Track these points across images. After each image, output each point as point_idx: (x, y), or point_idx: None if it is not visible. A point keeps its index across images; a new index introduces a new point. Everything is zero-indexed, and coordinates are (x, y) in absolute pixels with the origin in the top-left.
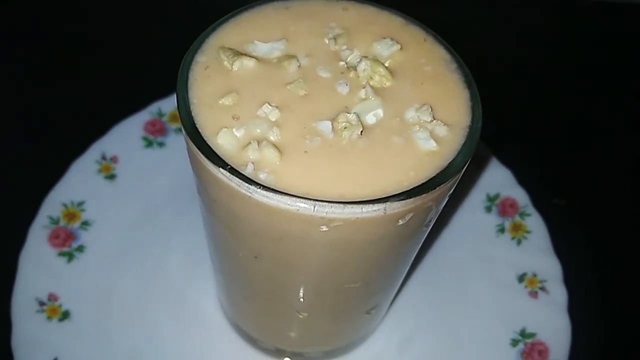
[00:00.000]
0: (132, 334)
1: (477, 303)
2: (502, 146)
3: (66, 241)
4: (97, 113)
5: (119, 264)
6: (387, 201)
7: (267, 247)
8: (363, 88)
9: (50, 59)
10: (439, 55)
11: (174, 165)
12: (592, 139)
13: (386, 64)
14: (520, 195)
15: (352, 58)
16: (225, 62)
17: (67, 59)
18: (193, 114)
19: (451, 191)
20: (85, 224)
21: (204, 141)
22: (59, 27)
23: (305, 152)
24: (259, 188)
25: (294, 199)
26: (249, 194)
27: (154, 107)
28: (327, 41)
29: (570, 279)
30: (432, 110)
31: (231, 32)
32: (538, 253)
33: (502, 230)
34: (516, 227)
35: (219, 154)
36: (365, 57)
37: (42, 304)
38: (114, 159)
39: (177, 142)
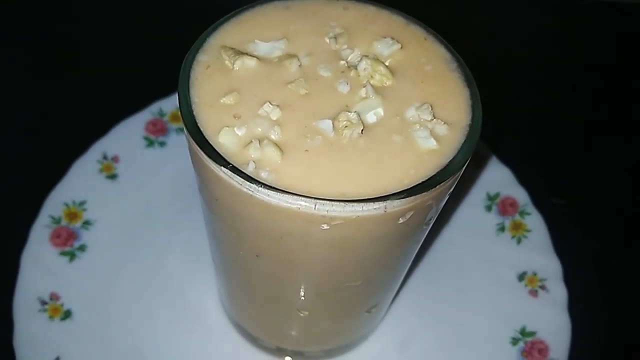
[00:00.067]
0: (133, 332)
1: (477, 302)
2: (502, 145)
3: (68, 241)
4: (98, 113)
5: (121, 263)
6: (388, 199)
7: (268, 246)
8: (363, 87)
9: (51, 59)
10: (439, 54)
11: (175, 165)
12: (592, 138)
13: (387, 63)
14: (520, 194)
15: (353, 57)
16: (227, 62)
17: (68, 59)
18: (195, 113)
19: (451, 190)
20: (86, 223)
21: (206, 140)
22: (60, 26)
23: (306, 150)
24: (261, 187)
25: (295, 197)
26: (251, 193)
27: (155, 107)
28: (327, 40)
29: (570, 278)
30: (432, 109)
31: (232, 32)
32: (538, 252)
33: (502, 229)
34: (516, 226)
35: (220, 152)
36: (366, 56)
37: (43, 303)
38: (115, 159)
39: (178, 142)
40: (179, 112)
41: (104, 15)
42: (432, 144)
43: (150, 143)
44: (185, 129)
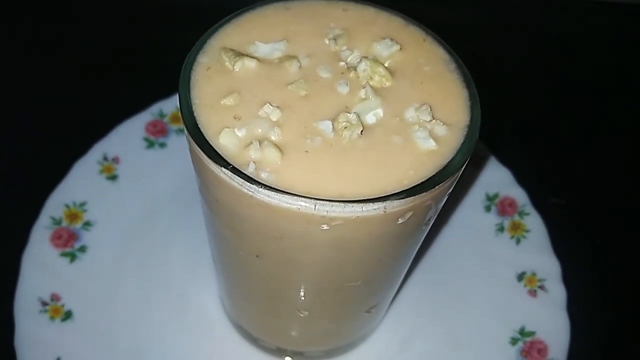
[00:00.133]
0: (134, 333)
1: (476, 302)
2: (501, 146)
3: (68, 241)
4: (98, 114)
5: (121, 264)
6: (387, 200)
7: (269, 246)
8: (363, 88)
9: (52, 60)
10: (438, 55)
11: (175, 166)
12: (591, 138)
13: (386, 64)
14: (519, 195)
15: (352, 58)
16: (227, 63)
17: (69, 60)
18: (195, 114)
19: (450, 190)
20: (87, 224)
21: (206, 141)
22: (60, 26)
23: (306, 151)
24: (261, 187)
25: (295, 198)
26: (251, 193)
27: (155, 108)
28: (327, 42)
29: (569, 278)
30: (431, 110)
31: (232, 33)
32: (537, 252)
33: (501, 229)
34: (515, 226)
35: (221, 153)
36: (365, 57)
37: (44, 304)
38: (116, 160)
39: (178, 143)
40: (180, 113)
41: (104, 16)
42: (431, 144)
43: (150, 144)
44: (185, 130)
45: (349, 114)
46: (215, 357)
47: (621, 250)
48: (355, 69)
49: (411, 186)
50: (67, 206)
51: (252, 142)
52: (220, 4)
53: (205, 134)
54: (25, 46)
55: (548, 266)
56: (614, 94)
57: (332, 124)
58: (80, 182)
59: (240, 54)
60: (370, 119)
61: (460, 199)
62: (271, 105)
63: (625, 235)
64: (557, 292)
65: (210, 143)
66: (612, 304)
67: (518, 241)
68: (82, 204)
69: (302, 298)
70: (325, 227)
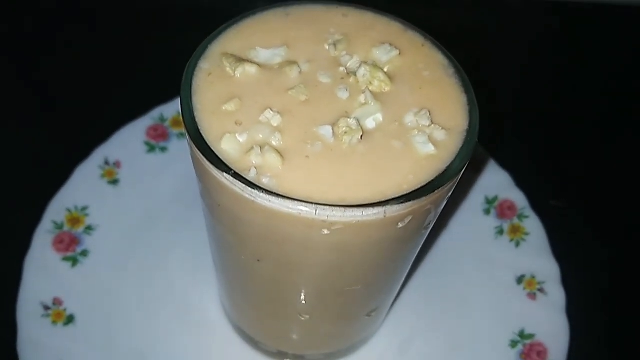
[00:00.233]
0: (135, 337)
1: (476, 304)
2: (500, 149)
3: (70, 246)
4: (99, 118)
5: (123, 268)
6: (387, 204)
7: (270, 250)
8: (363, 93)
9: (54, 64)
10: (437, 60)
11: (176, 170)
12: (590, 141)
13: (385, 69)
14: (518, 198)
15: (352, 63)
16: (228, 69)
17: (70, 64)
18: (197, 119)
19: (450, 194)
20: (89, 228)
21: (208, 147)
22: (60, 30)
23: (307, 156)
24: (262, 192)
25: (296, 202)
26: (252, 198)
27: (156, 113)
28: (327, 47)
29: (568, 281)
30: (430, 115)
31: (233, 39)
32: (536, 255)
33: (500, 232)
34: (514, 229)
35: (222, 159)
36: (365, 62)
37: (47, 308)
38: (117, 164)
39: (179, 147)
40: (181, 118)
41: (106, 20)
42: (431, 149)
43: (151, 148)
44: (187, 136)
45: (349, 119)
46: None
47: (620, 253)
48: (355, 74)
49: (411, 191)
50: (69, 210)
51: (253, 148)
52: (220, 7)
53: (206, 140)
54: (25, 49)
55: (547, 269)
56: (613, 97)
57: (333, 129)
58: (82, 187)
59: (241, 60)
60: (370, 123)
61: (460, 202)
62: (272, 110)
63: (624, 238)
64: (556, 294)
65: (212, 148)
66: (611, 307)
67: (517, 244)
68: (84, 209)
69: (303, 302)
70: (326, 231)
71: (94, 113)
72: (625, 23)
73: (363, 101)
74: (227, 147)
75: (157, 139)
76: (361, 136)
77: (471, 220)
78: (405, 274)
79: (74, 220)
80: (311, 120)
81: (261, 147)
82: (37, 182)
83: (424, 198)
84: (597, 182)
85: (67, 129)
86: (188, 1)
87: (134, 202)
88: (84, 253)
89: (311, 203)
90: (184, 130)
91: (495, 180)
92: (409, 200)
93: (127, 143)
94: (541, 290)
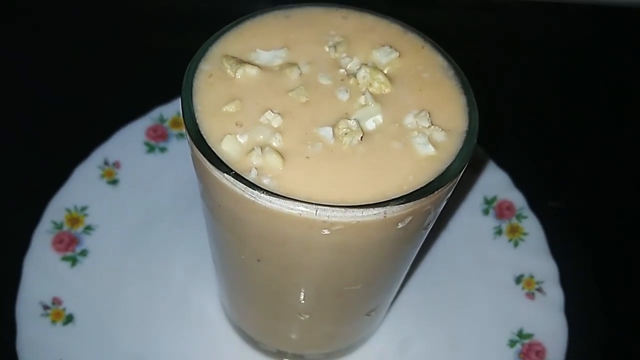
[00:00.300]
0: (135, 337)
1: (475, 304)
2: (499, 150)
3: (70, 246)
4: (99, 119)
5: (122, 268)
6: (387, 205)
7: (270, 251)
8: (363, 95)
9: (54, 65)
10: (436, 62)
11: (176, 170)
12: (588, 142)
13: (385, 71)
14: (517, 198)
15: (352, 65)
16: (229, 70)
17: (70, 64)
18: (198, 121)
19: (449, 195)
20: (88, 228)
21: (209, 147)
22: (60, 30)
23: (307, 157)
24: (263, 193)
25: (296, 203)
26: (253, 199)
27: (155, 113)
28: (327, 49)
29: (566, 280)
30: (430, 116)
31: (234, 41)
32: (535, 255)
33: (499, 232)
34: (513, 230)
35: (223, 160)
36: (365, 64)
37: (46, 307)
38: (117, 164)
39: (179, 148)
40: (181, 119)
41: (106, 21)
42: (430, 150)
43: (151, 149)
44: (188, 137)
45: (349, 121)
46: None
47: (618, 253)
48: (355, 75)
49: (411, 191)
50: (69, 210)
51: (253, 149)
52: (220, 9)
53: (207, 141)
54: (25, 49)
55: (546, 269)
56: (612, 99)
57: (333, 130)
58: (82, 187)
59: (241, 62)
60: (370, 125)
61: (459, 202)
62: (272, 112)
63: (622, 238)
64: (555, 294)
65: (213, 149)
66: (609, 306)
67: (516, 244)
68: (83, 209)
69: (303, 301)
70: (326, 231)
71: (94, 113)
72: (625, 24)
73: (363, 103)
74: (227, 148)
75: (157, 139)
76: (361, 137)
77: (470, 220)
78: (405, 274)
79: (74, 220)
80: (311, 121)
81: (262, 148)
82: (36, 182)
83: (424, 199)
84: (595, 182)
85: (67, 129)
86: (188, 2)
87: (133, 202)
88: (84, 253)
89: (311, 203)
90: (184, 131)
91: (493, 181)
92: (409, 201)
93: (126, 143)
94: (539, 289)
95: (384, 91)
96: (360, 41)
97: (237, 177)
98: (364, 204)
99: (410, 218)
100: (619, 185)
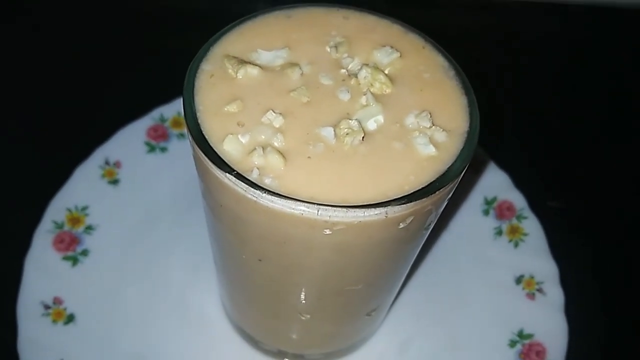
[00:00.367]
0: (135, 336)
1: (475, 305)
2: (499, 150)
3: (70, 245)
4: (100, 119)
5: (123, 268)
6: (389, 205)
7: (271, 250)
8: (364, 95)
9: (54, 65)
10: (437, 62)
11: (177, 170)
12: (588, 143)
13: (386, 72)
14: (517, 199)
15: (353, 66)
16: (230, 70)
17: (71, 64)
18: (199, 121)
19: (450, 195)
20: (89, 228)
21: (211, 147)
22: (62, 31)
23: (309, 157)
24: (265, 193)
25: (298, 203)
26: (255, 199)
27: (156, 113)
28: (328, 49)
29: (566, 281)
30: (431, 116)
31: (235, 41)
32: (535, 255)
33: (499, 233)
34: (513, 230)
35: (225, 160)
36: (366, 64)
37: (47, 307)
38: (117, 164)
39: (179, 147)
40: (182, 119)
41: (105, 21)
42: (431, 150)
43: (151, 148)
44: (190, 137)
45: (350, 121)
46: None
47: (619, 253)
48: (356, 76)
49: (412, 191)
50: (69, 210)
51: (255, 149)
52: (220, 9)
53: (209, 141)
54: (25, 49)
55: (546, 269)
56: (612, 99)
57: (334, 130)
58: (82, 187)
59: (243, 62)
60: (371, 125)
61: (459, 203)
62: (274, 112)
63: (622, 238)
64: (555, 294)
65: (215, 149)
66: (609, 306)
67: (516, 244)
68: (84, 208)
69: (304, 301)
70: (327, 231)
71: (95, 113)
72: (624, 24)
73: (364, 103)
74: (229, 148)
75: (157, 139)
76: (362, 137)
77: (470, 220)
78: (406, 274)
79: (74, 220)
80: (313, 121)
81: (263, 148)
82: (37, 182)
83: (425, 199)
84: (595, 183)
85: (67, 129)
86: (188, 2)
87: (134, 202)
88: (84, 252)
89: (313, 203)
90: (186, 131)
91: (494, 181)
92: (411, 201)
93: (127, 143)
94: (540, 290)
95: (385, 91)
96: (361, 41)
97: (239, 177)
98: (365, 204)
99: (411, 218)
100: (619, 185)
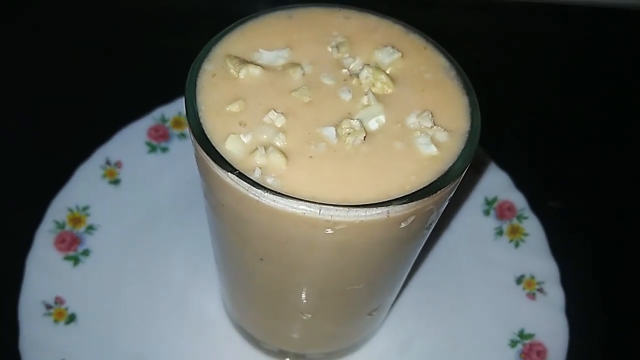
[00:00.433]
0: (136, 336)
1: (476, 304)
2: (500, 151)
3: (72, 245)
4: (101, 119)
5: (124, 268)
6: (390, 204)
7: (273, 250)
8: (365, 95)
9: (54, 65)
10: (438, 62)
11: (177, 170)
12: (588, 143)
13: (387, 72)
14: (517, 199)
15: (355, 66)
16: (232, 70)
17: (70, 64)
18: (201, 120)
19: (451, 195)
20: (90, 228)
21: (213, 147)
22: (62, 31)
23: (311, 157)
24: (267, 192)
25: (300, 202)
26: (257, 198)
27: (157, 113)
28: (329, 49)
29: (567, 281)
30: (432, 116)
31: (237, 41)
32: (535, 255)
33: (500, 233)
34: (514, 230)
35: (227, 159)
36: (367, 64)
37: (48, 307)
38: (118, 164)
39: (180, 148)
40: (183, 120)
41: (105, 21)
42: (433, 150)
43: (152, 149)
44: (192, 136)
45: (352, 120)
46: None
47: (619, 253)
48: (357, 76)
49: (413, 191)
50: (71, 210)
51: (257, 148)
52: (220, 9)
53: (211, 140)
54: (25, 49)
55: (546, 269)
56: (612, 99)
57: (336, 130)
58: (83, 187)
59: (244, 62)
60: (372, 125)
61: (460, 203)
62: (276, 111)
63: (622, 238)
64: (555, 294)
65: (217, 149)
66: (610, 306)
67: (517, 245)
68: (85, 208)
69: (305, 301)
70: (329, 231)
71: (96, 113)
72: (624, 25)
73: (366, 103)
74: (231, 147)
75: (158, 139)
76: (364, 137)
77: (471, 221)
78: (407, 274)
79: (76, 220)
80: (314, 121)
81: (265, 148)
82: (38, 182)
83: (426, 198)
84: (595, 183)
85: (68, 129)
86: (188, 2)
87: (135, 202)
88: (86, 252)
89: (315, 203)
90: (188, 130)
91: (494, 182)
92: (412, 201)
93: (128, 143)
94: (540, 290)
95: (387, 91)
96: (362, 41)
97: (241, 176)
98: (367, 203)
99: (412, 218)
100: (619, 185)
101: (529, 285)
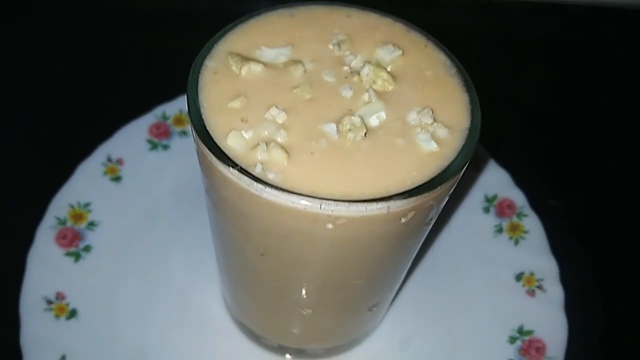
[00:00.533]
0: (137, 331)
1: (475, 301)
2: (500, 149)
3: (73, 241)
4: (102, 116)
5: (125, 264)
6: (391, 200)
7: (274, 245)
8: (366, 92)
9: (54, 64)
10: (439, 60)
11: (178, 167)
12: (588, 141)
13: (388, 69)
14: (517, 196)
15: (356, 63)
16: (234, 67)
17: (70, 64)
18: (203, 117)
19: (451, 191)
20: (91, 224)
21: (215, 143)
22: (62, 31)
23: (312, 153)
24: (268, 187)
25: (301, 197)
26: (258, 193)
27: (158, 111)
28: (331, 47)
29: (566, 278)
30: (433, 113)
31: (239, 38)
32: (535, 253)
33: (499, 230)
34: (514, 228)
35: (229, 155)
36: (368, 62)
37: (49, 302)
38: (120, 161)
39: (181, 145)
40: (184, 117)
41: (105, 21)
42: (433, 146)
43: (153, 146)
44: (194, 132)
45: (353, 117)
46: (218, 355)
47: (618, 251)
48: (358, 73)
49: (414, 187)
50: (72, 207)
51: (259, 144)
52: (220, 9)
53: (213, 136)
54: (27, 47)
55: (546, 266)
56: (612, 98)
57: (337, 127)
58: (85, 183)
59: (246, 59)
60: (373, 121)
61: (460, 200)
62: (277, 108)
63: (622, 236)
64: (555, 291)
65: (219, 145)
66: (609, 303)
67: (516, 242)
68: (87, 205)
69: (305, 296)
70: (330, 226)
71: (97, 111)
72: (624, 24)
73: (367, 99)
74: (233, 143)
75: (160, 136)
76: (365, 133)
77: (471, 218)
78: (407, 269)
79: (77, 216)
80: (316, 117)
81: (267, 144)
82: (40, 179)
83: (426, 194)
84: (595, 181)
85: (70, 126)
86: (188, 2)
87: (136, 198)
88: (87, 248)
89: (316, 198)
90: (190, 127)
91: (494, 179)
92: (412, 196)
93: (129, 140)
94: (540, 287)
95: (388, 88)
96: (363, 39)
97: (243, 171)
98: (367, 198)
99: (413, 213)
100: (619, 185)
101: (528, 282)
